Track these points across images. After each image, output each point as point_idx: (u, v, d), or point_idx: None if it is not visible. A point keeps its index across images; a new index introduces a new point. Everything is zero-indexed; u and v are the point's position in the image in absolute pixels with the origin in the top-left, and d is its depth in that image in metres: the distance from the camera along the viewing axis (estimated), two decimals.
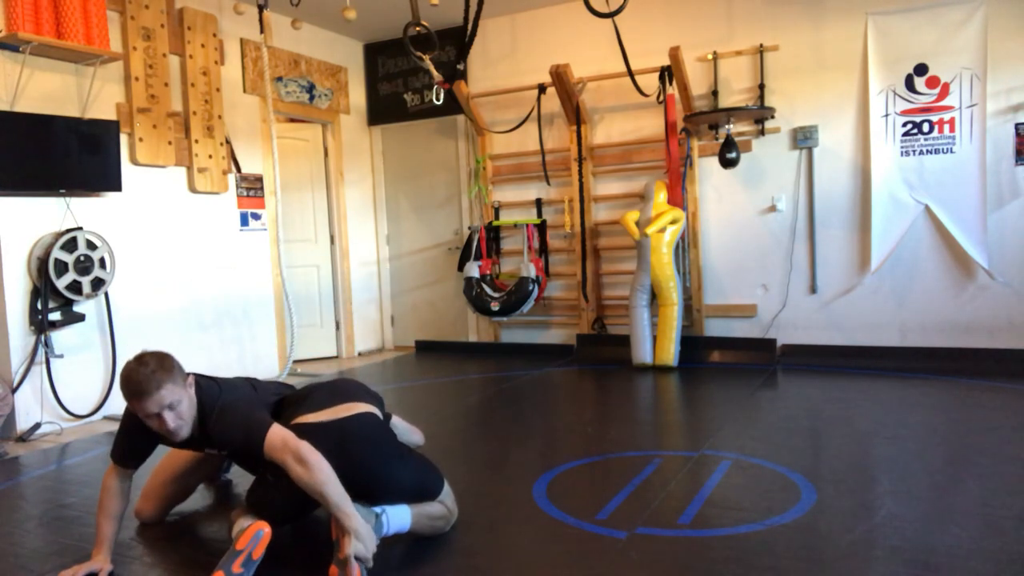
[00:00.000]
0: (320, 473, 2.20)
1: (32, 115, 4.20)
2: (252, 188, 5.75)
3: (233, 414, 2.37)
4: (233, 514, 2.39)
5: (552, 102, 6.02)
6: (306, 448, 2.24)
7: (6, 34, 4.07)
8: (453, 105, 6.28)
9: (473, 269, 6.20)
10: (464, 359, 6.25)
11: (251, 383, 2.64)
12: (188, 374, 2.38)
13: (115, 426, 4.37)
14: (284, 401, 2.63)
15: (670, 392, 4.78)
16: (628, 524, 2.56)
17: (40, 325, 4.26)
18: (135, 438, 2.45)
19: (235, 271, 5.58)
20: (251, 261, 5.72)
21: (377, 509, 2.35)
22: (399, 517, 2.39)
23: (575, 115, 5.94)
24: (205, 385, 2.43)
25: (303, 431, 2.34)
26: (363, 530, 2.20)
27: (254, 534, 2.20)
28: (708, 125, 5.59)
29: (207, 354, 5.30)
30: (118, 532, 2.46)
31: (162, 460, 2.84)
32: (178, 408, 2.29)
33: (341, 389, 2.64)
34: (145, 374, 2.24)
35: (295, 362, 5.92)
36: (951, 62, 4.91)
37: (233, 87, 5.62)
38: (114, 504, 2.42)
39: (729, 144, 5.28)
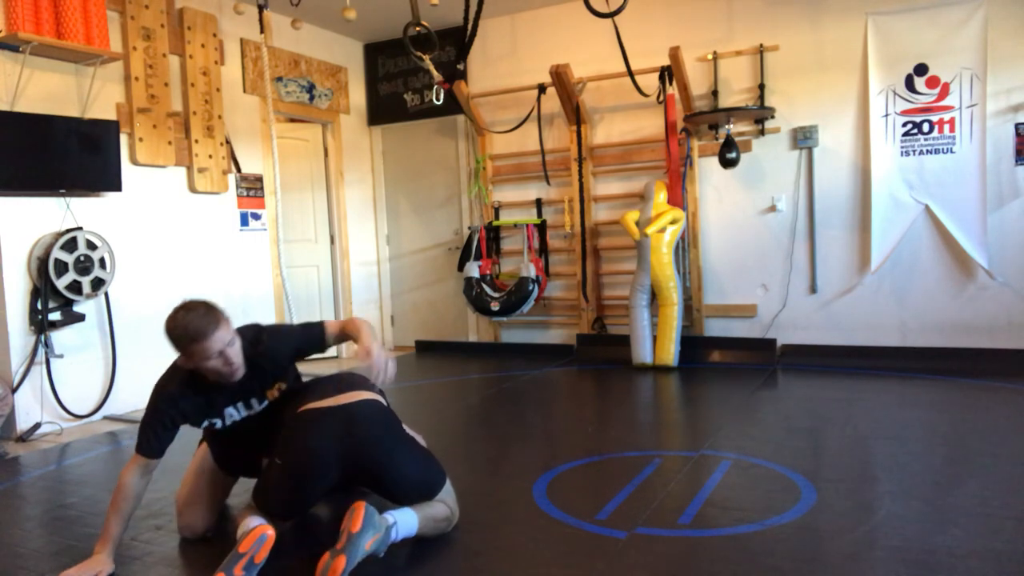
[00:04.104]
0: (367, 324, 2.56)
1: (32, 115, 4.20)
2: (252, 188, 5.75)
3: (285, 329, 2.58)
4: (240, 513, 2.39)
5: (552, 102, 6.02)
6: (357, 318, 2.62)
7: (6, 34, 4.07)
8: (453, 105, 6.27)
9: (473, 269, 6.20)
10: (464, 359, 6.25)
11: None
12: None
13: (116, 426, 4.42)
14: (290, 392, 2.64)
15: (670, 392, 4.78)
16: (628, 524, 2.56)
17: (40, 325, 4.26)
18: (160, 425, 2.39)
19: (235, 271, 5.58)
20: (251, 261, 5.73)
21: (389, 519, 2.33)
22: (407, 524, 2.39)
23: (575, 115, 5.94)
24: (241, 327, 2.53)
25: (311, 416, 2.35)
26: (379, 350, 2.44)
27: (258, 537, 2.20)
28: (708, 125, 5.59)
29: None
30: (124, 532, 2.46)
31: (191, 466, 2.75)
32: (234, 346, 2.34)
33: (347, 380, 2.67)
34: (199, 316, 2.26)
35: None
36: (951, 62, 4.91)
37: (233, 87, 5.61)
38: (128, 504, 2.40)
39: (729, 144, 5.28)
